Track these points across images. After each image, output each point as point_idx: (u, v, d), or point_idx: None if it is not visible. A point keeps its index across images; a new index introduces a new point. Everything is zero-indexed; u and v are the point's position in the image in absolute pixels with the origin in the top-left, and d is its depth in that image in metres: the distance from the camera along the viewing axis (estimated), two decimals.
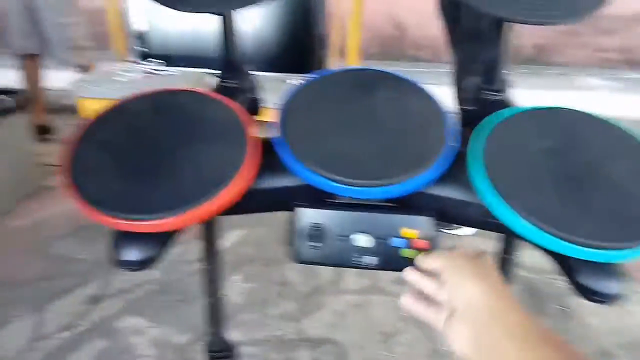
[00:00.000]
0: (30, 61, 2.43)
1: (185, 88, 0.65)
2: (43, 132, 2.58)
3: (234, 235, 1.81)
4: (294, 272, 1.65)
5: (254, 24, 1.88)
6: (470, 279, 0.45)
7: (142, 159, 0.55)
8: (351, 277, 1.61)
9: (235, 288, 1.56)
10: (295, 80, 1.97)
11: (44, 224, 1.88)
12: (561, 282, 1.72)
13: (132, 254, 0.54)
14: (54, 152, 2.47)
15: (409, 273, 0.51)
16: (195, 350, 1.32)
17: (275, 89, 1.82)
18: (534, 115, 0.60)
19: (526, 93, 0.71)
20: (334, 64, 2.13)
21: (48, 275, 1.59)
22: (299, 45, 2.02)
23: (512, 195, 0.50)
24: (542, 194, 0.50)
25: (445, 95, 0.65)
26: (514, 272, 0.77)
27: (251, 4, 0.60)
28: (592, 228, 0.48)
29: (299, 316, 1.45)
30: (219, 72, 0.72)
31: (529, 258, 0.90)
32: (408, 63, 4.36)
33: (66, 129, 2.81)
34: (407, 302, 0.50)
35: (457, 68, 1.76)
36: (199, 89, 0.65)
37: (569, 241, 0.47)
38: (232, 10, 0.67)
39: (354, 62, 2.13)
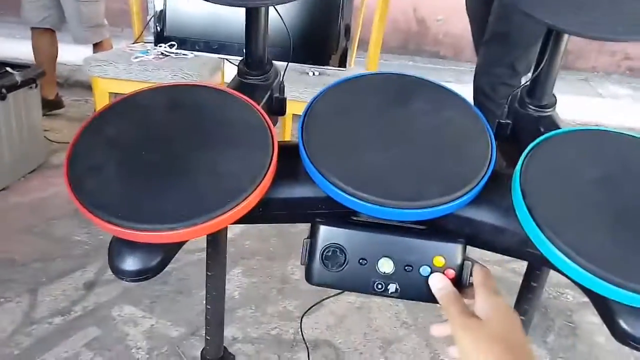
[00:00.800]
0: (47, 36, 2.40)
1: (204, 83, 0.59)
2: (52, 107, 2.55)
3: (237, 227, 1.77)
4: (296, 269, 1.60)
5: (276, 13, 1.82)
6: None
7: (151, 160, 0.50)
8: None
9: (234, 282, 1.52)
10: (315, 71, 1.91)
11: (45, 202, 1.85)
12: (569, 297, 1.65)
13: (132, 263, 0.48)
14: (62, 129, 2.46)
15: (438, 278, 0.49)
16: (189, 345, 1.28)
17: (295, 80, 1.79)
18: (584, 137, 0.53)
19: None
20: (354, 56, 2.07)
21: (45, 256, 1.56)
22: (322, 36, 1.96)
23: (553, 225, 0.45)
24: (587, 228, 0.45)
25: (467, 93, 0.59)
26: (537, 299, 0.71)
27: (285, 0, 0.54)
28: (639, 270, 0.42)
29: (297, 316, 1.41)
30: (243, 67, 0.66)
31: None
32: (427, 59, 4.27)
33: (77, 105, 2.80)
34: (441, 279, 0.49)
35: (486, 67, 1.69)
36: (220, 85, 0.59)
37: (617, 284, 0.42)
38: (266, 6, 0.61)
39: (375, 55, 2.07)
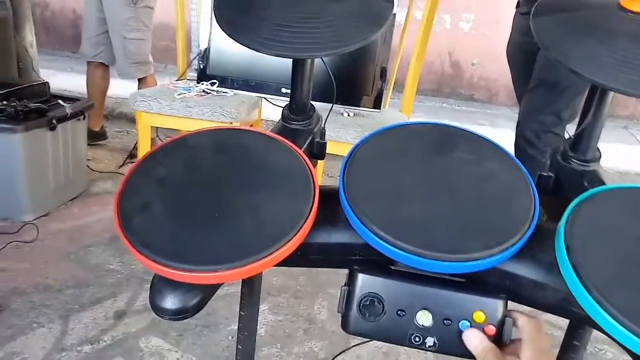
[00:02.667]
0: (99, 70, 2.53)
1: (251, 129, 0.61)
2: (97, 138, 2.67)
3: None
4: (323, 309, 1.59)
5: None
6: None
7: (197, 202, 0.51)
8: None
9: (260, 319, 1.51)
10: (350, 112, 1.94)
11: (83, 229, 1.91)
12: (609, 354, 1.57)
13: (172, 301, 0.49)
14: (104, 158, 2.56)
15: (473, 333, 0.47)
16: None
17: (330, 120, 1.82)
18: (633, 194, 0.52)
19: None
20: (389, 98, 2.10)
21: (79, 283, 1.60)
22: (358, 78, 2.00)
23: (600, 286, 0.43)
24: (636, 289, 0.43)
25: (501, 137, 0.58)
26: (579, 356, 0.68)
27: (333, 51, 0.56)
28: None
29: (323, 357, 1.38)
30: (287, 112, 0.68)
31: None
32: (461, 101, 4.28)
33: (119, 136, 2.91)
34: (476, 334, 0.47)
35: (531, 114, 1.69)
36: (264, 131, 0.61)
37: None
38: (312, 57, 0.63)
39: (410, 97, 2.09)
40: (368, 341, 1.46)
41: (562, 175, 0.63)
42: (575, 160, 0.62)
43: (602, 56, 0.53)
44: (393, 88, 2.15)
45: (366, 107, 1.98)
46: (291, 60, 0.63)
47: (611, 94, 0.57)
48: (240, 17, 0.58)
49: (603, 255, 0.47)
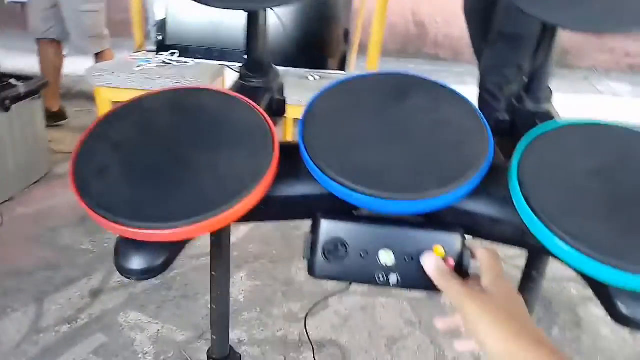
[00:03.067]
0: (51, 47, 2.42)
1: (207, 86, 0.60)
2: (56, 118, 2.58)
3: (240, 231, 1.78)
4: (300, 271, 1.61)
5: (276, 18, 1.84)
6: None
7: (155, 162, 0.51)
8: None
9: (238, 285, 1.53)
10: (315, 75, 1.92)
11: (50, 212, 1.87)
12: (573, 290, 1.65)
13: (137, 262, 0.49)
14: (65, 139, 2.48)
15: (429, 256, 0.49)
16: (195, 349, 1.29)
17: (295, 85, 1.80)
18: (579, 129, 0.54)
19: None
20: (354, 60, 2.09)
21: (51, 265, 1.57)
22: (321, 41, 1.97)
23: (551, 214, 0.46)
24: (585, 216, 0.46)
25: (468, 94, 0.60)
26: (538, 288, 0.72)
27: (285, 3, 0.55)
28: (637, 255, 0.43)
29: (302, 317, 1.42)
30: (244, 70, 0.67)
31: None
32: (427, 61, 4.29)
33: (80, 115, 2.82)
34: (432, 257, 0.49)
35: (492, 68, 1.71)
36: (222, 88, 0.60)
37: (614, 268, 0.42)
38: (264, 8, 0.62)
39: (374, 59, 2.09)
40: (344, 291, 1.50)
41: (517, 117, 0.65)
42: (528, 101, 0.63)
43: None
44: (359, 51, 2.13)
45: (331, 70, 1.96)
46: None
47: (559, 32, 0.58)
48: None
49: (553, 186, 0.49)
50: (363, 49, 2.17)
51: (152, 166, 0.50)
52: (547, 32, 0.59)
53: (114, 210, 0.47)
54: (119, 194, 0.48)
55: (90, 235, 1.71)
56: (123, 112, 0.56)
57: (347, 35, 1.95)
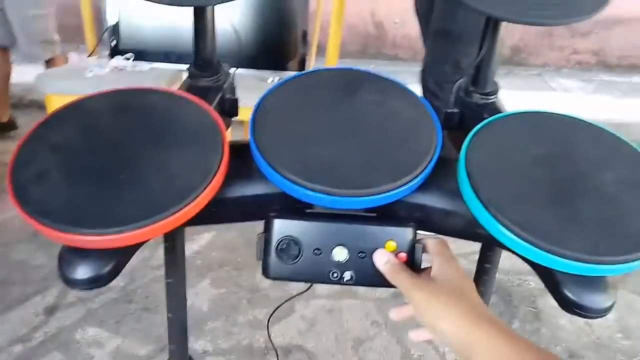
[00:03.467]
0: None
1: (153, 87, 0.58)
2: (6, 129, 2.47)
3: (203, 238, 1.75)
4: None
5: (231, 18, 1.82)
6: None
7: (99, 164, 0.48)
8: None
9: (203, 294, 1.50)
10: (275, 77, 1.91)
11: (0, 227, 1.78)
12: (532, 283, 1.70)
13: (83, 271, 0.46)
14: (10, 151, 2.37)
15: (380, 253, 0.50)
16: None
17: (254, 87, 1.78)
18: (524, 118, 0.56)
19: (502, 94, 0.68)
20: (313, 61, 2.09)
21: (3, 282, 1.50)
22: (279, 42, 1.97)
23: (498, 204, 0.46)
24: (529, 204, 0.47)
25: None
26: (492, 280, 0.73)
27: None
28: (581, 241, 0.44)
29: (268, 323, 1.40)
30: (192, 69, 0.65)
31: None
32: (386, 61, 4.35)
33: (30, 125, 2.71)
34: (383, 253, 0.49)
35: (432, 66, 1.71)
36: (169, 88, 0.59)
37: (559, 255, 0.43)
38: (210, 5, 0.61)
39: (333, 59, 2.09)
40: (304, 292, 1.49)
41: (465, 110, 0.66)
42: (476, 94, 0.64)
43: None
44: (319, 52, 2.14)
45: (290, 71, 1.96)
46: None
47: (502, 25, 0.60)
48: None
49: (500, 176, 0.50)
50: (322, 50, 2.17)
51: (95, 169, 0.48)
52: (490, 26, 0.60)
53: (53, 217, 0.45)
54: (59, 199, 0.46)
55: (44, 250, 1.64)
56: (64, 114, 0.54)
57: (305, 36, 1.95)
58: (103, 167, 0.49)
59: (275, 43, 1.96)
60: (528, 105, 0.58)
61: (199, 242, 1.72)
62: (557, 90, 3.98)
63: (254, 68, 1.91)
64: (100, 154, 0.50)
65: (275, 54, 1.98)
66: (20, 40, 2.27)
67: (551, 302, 0.48)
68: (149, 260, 1.57)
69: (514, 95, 0.60)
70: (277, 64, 1.97)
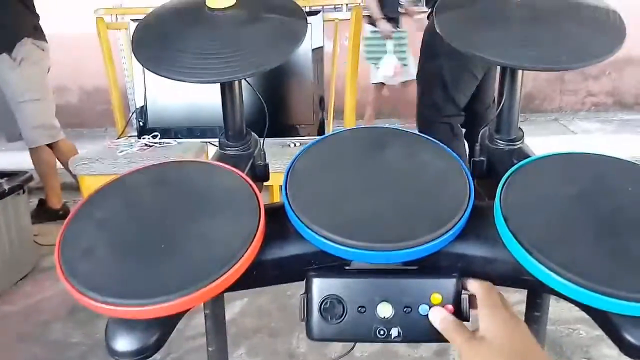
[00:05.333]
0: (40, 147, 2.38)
1: (189, 159, 0.61)
2: (61, 217, 2.50)
3: (236, 305, 1.73)
4: (302, 342, 1.55)
5: (250, 89, 1.91)
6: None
7: (142, 237, 0.50)
8: (365, 344, 1.52)
9: None
10: (295, 143, 1.97)
11: (38, 307, 1.81)
12: (582, 332, 1.61)
13: (130, 343, 0.47)
14: (52, 232, 2.44)
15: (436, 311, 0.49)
16: None
17: (278, 153, 1.84)
18: (555, 160, 0.56)
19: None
20: (331, 125, 2.15)
21: None
22: (298, 110, 2.04)
23: (541, 247, 0.46)
24: (574, 245, 0.46)
25: None
26: (543, 329, 0.70)
27: (257, 70, 0.58)
28: (636, 279, 0.42)
29: None
30: (223, 139, 0.69)
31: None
32: (403, 120, 4.43)
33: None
34: (439, 311, 0.48)
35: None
36: (204, 159, 0.62)
37: (616, 296, 0.42)
38: (236, 79, 0.65)
39: (351, 121, 2.15)
40: (346, 354, 1.44)
41: (492, 157, 0.66)
42: (501, 142, 0.65)
43: (503, 40, 0.57)
44: (335, 116, 2.20)
45: (310, 136, 2.01)
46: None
47: (520, 72, 0.62)
48: (160, 52, 0.59)
49: (538, 218, 0.49)
50: (339, 114, 2.24)
51: (138, 242, 0.50)
52: (507, 75, 0.62)
53: (100, 290, 0.46)
54: (105, 273, 0.47)
55: (81, 328, 1.65)
56: (107, 191, 0.56)
57: (322, 102, 2.02)
58: (145, 239, 0.50)
59: (293, 111, 2.04)
60: (551, 150, 0.59)
61: (232, 309, 1.70)
62: (577, 133, 3.96)
63: (275, 136, 1.97)
64: (143, 226, 0.52)
65: (294, 120, 2.04)
66: (20, 127, 2.32)
67: (606, 350, 0.46)
68: (184, 332, 1.55)
69: (535, 141, 0.60)
70: (297, 131, 2.03)
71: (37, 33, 2.32)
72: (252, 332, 1.61)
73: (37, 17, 2.35)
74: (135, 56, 0.59)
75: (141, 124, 2.02)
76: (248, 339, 1.58)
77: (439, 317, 0.48)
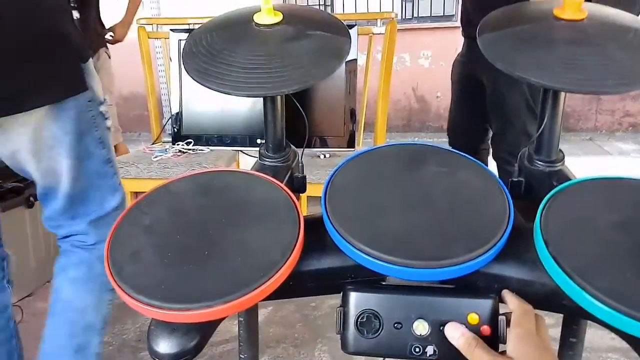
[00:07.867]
0: None
1: (230, 168, 0.63)
2: None
3: (260, 314, 1.74)
4: (325, 354, 1.55)
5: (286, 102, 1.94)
6: None
7: (186, 243, 0.52)
8: None
9: None
10: (326, 154, 1.98)
11: None
12: None
13: (170, 346, 0.49)
14: None
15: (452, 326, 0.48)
16: None
17: (307, 164, 1.84)
18: (596, 185, 0.55)
19: None
20: (361, 138, 2.16)
21: None
22: (329, 121, 2.06)
23: (582, 272, 0.45)
24: (617, 271, 0.45)
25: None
26: (579, 357, 0.69)
27: (301, 85, 0.59)
28: None
29: None
30: (264, 150, 0.70)
31: None
32: (432, 133, 4.41)
33: None
34: (455, 327, 0.48)
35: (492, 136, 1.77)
36: (244, 169, 0.63)
37: None
38: (281, 94, 0.66)
39: (382, 134, 2.16)
40: None
41: (531, 179, 0.66)
42: (540, 163, 0.65)
43: (547, 61, 0.57)
44: (365, 128, 2.21)
45: (340, 148, 2.02)
46: (260, 110, 0.66)
47: (562, 94, 0.61)
48: (208, 65, 0.61)
49: (580, 243, 0.49)
50: (369, 127, 2.25)
51: (183, 247, 0.52)
52: (549, 96, 0.62)
53: (146, 293, 0.48)
54: (150, 277, 0.49)
55: (110, 327, 1.68)
56: (154, 197, 0.58)
57: (353, 114, 2.03)
58: (189, 246, 0.52)
59: (324, 122, 2.05)
60: (585, 170, 0.58)
61: None
62: (612, 154, 3.86)
63: (306, 147, 1.99)
64: (187, 233, 0.53)
65: (325, 132, 2.06)
66: None
67: None
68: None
69: (569, 161, 0.60)
70: (327, 142, 2.04)
71: (106, 44, 2.59)
72: (275, 341, 1.62)
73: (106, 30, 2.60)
74: (184, 67, 0.62)
75: (175, 130, 2.07)
76: (271, 347, 1.59)
77: (456, 332, 0.47)
